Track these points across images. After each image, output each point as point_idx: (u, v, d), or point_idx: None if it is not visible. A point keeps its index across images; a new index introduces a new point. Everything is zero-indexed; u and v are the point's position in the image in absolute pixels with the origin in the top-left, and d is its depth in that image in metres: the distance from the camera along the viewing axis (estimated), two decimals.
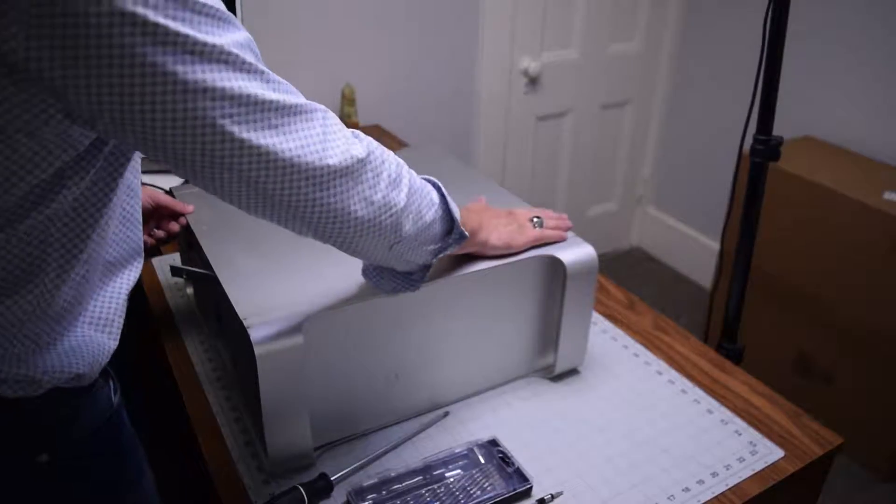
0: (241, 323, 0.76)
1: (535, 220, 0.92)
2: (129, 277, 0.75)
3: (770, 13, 1.15)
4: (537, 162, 2.58)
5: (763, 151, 1.22)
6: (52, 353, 0.67)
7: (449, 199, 0.76)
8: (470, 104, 2.34)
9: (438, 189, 0.76)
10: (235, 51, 0.55)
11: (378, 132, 2.06)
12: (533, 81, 2.41)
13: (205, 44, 0.53)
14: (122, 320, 0.74)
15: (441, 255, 0.78)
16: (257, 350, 0.73)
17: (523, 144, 2.51)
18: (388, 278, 0.80)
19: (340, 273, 0.85)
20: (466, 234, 0.78)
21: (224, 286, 0.83)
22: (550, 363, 0.99)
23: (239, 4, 1.46)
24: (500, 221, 0.89)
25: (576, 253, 0.92)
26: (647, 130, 2.81)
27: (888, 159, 2.05)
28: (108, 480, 0.76)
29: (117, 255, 0.73)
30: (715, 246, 2.63)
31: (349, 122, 1.99)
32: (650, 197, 2.96)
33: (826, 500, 1.75)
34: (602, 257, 1.02)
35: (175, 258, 1.28)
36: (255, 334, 0.74)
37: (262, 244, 0.92)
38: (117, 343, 0.74)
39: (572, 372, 1.02)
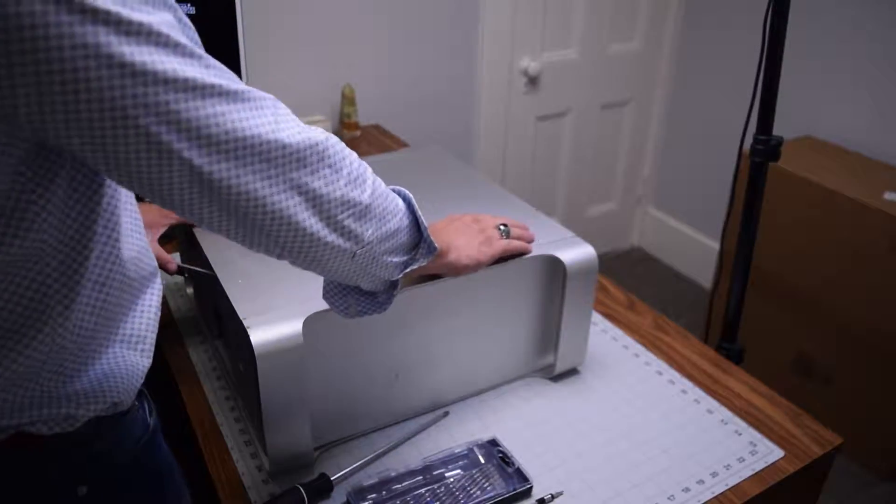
0: (241, 323, 0.76)
1: (502, 227, 0.89)
2: (155, 290, 0.72)
3: (770, 13, 1.15)
4: (537, 162, 2.58)
5: (763, 151, 1.22)
6: (84, 381, 0.63)
7: (417, 209, 0.72)
8: (470, 104, 2.34)
9: (406, 199, 0.72)
10: (166, 31, 0.48)
11: (378, 132, 2.06)
12: (533, 81, 2.41)
13: (130, 22, 0.46)
14: (154, 336, 0.70)
15: (408, 271, 0.74)
16: (257, 350, 0.73)
17: (523, 144, 2.51)
18: (353, 301, 0.74)
19: None
20: (436, 245, 0.74)
21: (224, 286, 0.83)
22: (551, 363, 0.99)
23: (239, 4, 1.46)
24: (468, 237, 0.85)
25: (576, 253, 0.92)
26: (647, 130, 2.81)
27: (888, 159, 2.05)
28: None
29: (138, 268, 0.69)
30: (715, 246, 2.63)
31: (349, 122, 1.99)
32: (650, 197, 2.96)
33: (826, 500, 1.75)
34: (602, 257, 1.02)
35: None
36: (255, 334, 0.74)
37: None
38: (150, 361, 0.70)
39: (572, 372, 1.02)
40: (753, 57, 1.30)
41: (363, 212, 0.63)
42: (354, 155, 0.64)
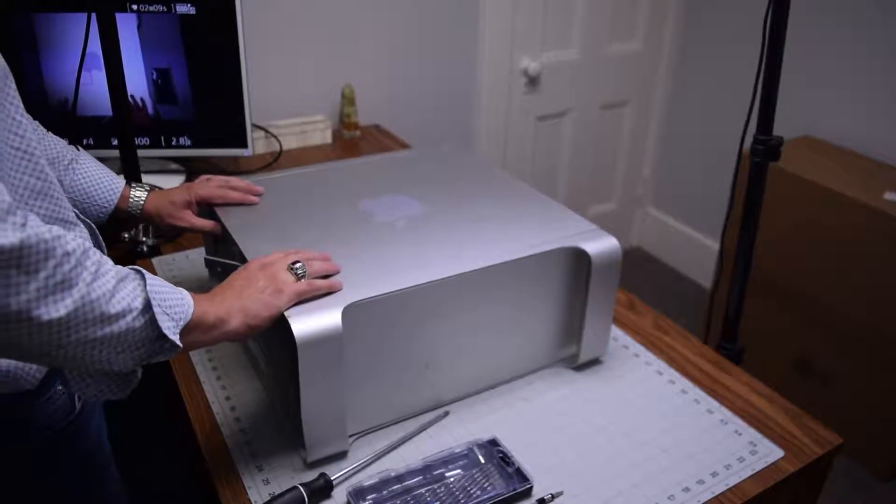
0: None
1: (298, 266, 0.81)
2: None
3: (770, 13, 1.15)
4: (537, 162, 2.58)
5: (763, 151, 1.22)
6: None
7: (157, 305, 0.66)
8: (470, 104, 2.34)
9: (150, 296, 0.66)
10: None
11: (378, 132, 2.06)
12: (533, 81, 2.41)
13: None
14: None
15: (155, 360, 0.69)
16: (299, 340, 0.75)
17: (523, 144, 2.51)
18: (94, 382, 0.70)
19: (376, 263, 0.87)
20: (179, 345, 0.68)
21: None
22: (574, 353, 1.01)
23: (239, 4, 1.46)
24: (251, 293, 0.77)
25: (600, 244, 0.95)
26: (647, 130, 2.81)
27: (888, 159, 2.05)
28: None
29: None
30: (715, 246, 2.63)
31: (349, 122, 1.99)
32: (650, 197, 2.96)
33: (826, 500, 1.75)
34: None
35: (175, 258, 1.28)
36: (295, 324, 0.75)
37: (296, 236, 0.93)
38: None
39: (572, 372, 1.02)
40: (753, 57, 1.30)
41: (55, 323, 0.58)
42: (72, 250, 0.59)
